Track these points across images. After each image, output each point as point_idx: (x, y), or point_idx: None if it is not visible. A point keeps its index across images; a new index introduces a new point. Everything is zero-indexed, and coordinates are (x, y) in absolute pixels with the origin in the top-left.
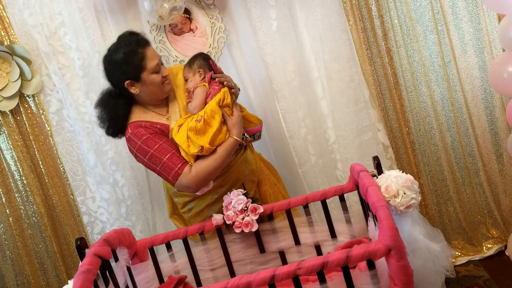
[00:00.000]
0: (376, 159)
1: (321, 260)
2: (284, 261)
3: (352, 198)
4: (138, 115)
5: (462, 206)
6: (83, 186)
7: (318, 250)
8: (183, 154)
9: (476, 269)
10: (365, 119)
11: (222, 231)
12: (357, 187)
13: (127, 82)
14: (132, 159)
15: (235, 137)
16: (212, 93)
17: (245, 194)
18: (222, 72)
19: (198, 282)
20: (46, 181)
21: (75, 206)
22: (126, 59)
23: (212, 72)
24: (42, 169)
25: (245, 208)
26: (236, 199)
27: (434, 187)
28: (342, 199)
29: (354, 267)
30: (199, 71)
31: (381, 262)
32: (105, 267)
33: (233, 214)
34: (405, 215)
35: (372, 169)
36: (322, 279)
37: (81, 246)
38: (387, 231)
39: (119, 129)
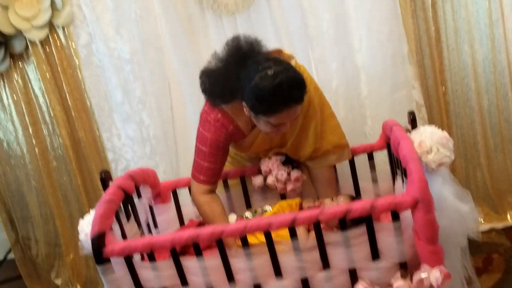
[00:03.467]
0: (411, 114)
1: (345, 208)
2: None
3: (379, 158)
4: (232, 109)
5: (491, 172)
6: (109, 122)
7: None
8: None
9: (498, 237)
10: (401, 75)
11: (246, 180)
12: (387, 146)
13: (245, 103)
14: (159, 99)
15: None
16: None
17: (284, 162)
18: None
19: None
20: (73, 114)
21: (100, 142)
22: (261, 98)
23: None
24: (69, 103)
25: (288, 174)
26: (276, 172)
27: (464, 151)
28: (370, 157)
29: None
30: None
31: (405, 217)
32: (127, 201)
33: (275, 182)
34: (435, 173)
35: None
36: (343, 227)
37: (106, 178)
38: (417, 183)
39: (214, 96)
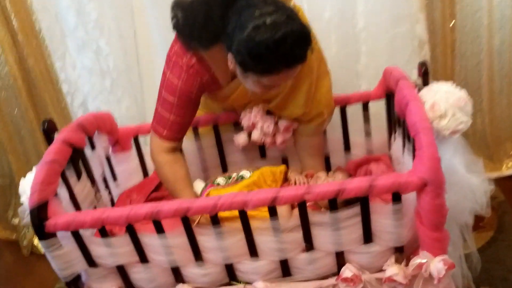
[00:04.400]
0: (423, 66)
1: (337, 187)
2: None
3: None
4: (210, 54)
5: (492, 118)
6: (62, 50)
7: (327, 160)
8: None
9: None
10: (405, 5)
11: (219, 129)
12: (387, 96)
13: (231, 56)
14: (120, 25)
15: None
16: None
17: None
18: None
19: None
20: (20, 39)
21: (53, 72)
22: (255, 55)
23: None
24: (15, 24)
25: (275, 124)
26: (261, 123)
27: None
28: (365, 107)
29: None
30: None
31: (408, 195)
32: (77, 156)
33: (261, 136)
34: (447, 141)
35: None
36: (333, 207)
37: (49, 129)
38: (427, 161)
39: (190, 38)
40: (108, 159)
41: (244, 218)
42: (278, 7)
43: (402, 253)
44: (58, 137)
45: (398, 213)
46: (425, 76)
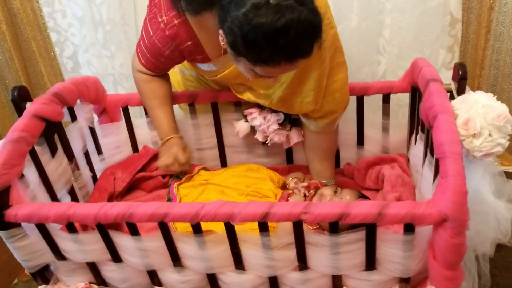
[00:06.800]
0: (461, 68)
1: (340, 210)
2: (290, 160)
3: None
4: (198, 21)
5: None
6: None
7: (337, 154)
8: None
9: None
10: None
11: (218, 107)
12: (412, 90)
13: (222, 33)
14: None
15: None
16: None
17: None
18: None
19: None
20: None
21: (41, 17)
22: (250, 41)
23: None
24: None
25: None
26: (272, 136)
27: (495, 81)
28: (386, 99)
29: None
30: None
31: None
32: (53, 130)
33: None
34: (477, 162)
35: (441, 71)
36: (334, 230)
37: (20, 98)
38: (452, 195)
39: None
40: (92, 130)
41: (230, 230)
42: None
43: (407, 283)
44: (28, 109)
45: (409, 244)
46: (462, 82)
